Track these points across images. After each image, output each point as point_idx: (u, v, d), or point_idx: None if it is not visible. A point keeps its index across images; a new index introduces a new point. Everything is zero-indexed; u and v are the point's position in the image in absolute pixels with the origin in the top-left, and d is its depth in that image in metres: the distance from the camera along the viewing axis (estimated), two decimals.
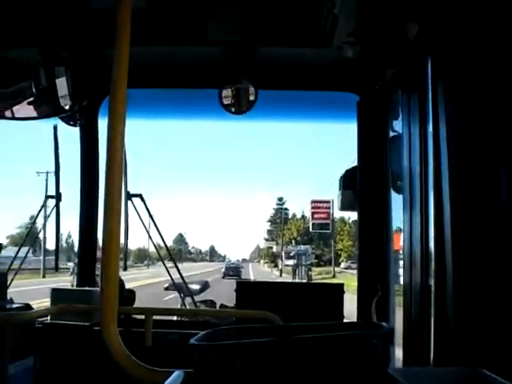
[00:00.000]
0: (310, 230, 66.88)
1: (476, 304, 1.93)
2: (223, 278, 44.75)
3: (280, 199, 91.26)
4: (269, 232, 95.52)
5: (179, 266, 4.92)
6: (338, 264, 67.93)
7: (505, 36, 2.03)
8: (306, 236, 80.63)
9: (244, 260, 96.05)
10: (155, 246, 4.80)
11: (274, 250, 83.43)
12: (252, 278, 47.24)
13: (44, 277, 40.68)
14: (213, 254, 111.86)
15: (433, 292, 2.24)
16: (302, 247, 65.05)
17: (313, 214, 62.43)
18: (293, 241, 79.55)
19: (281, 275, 60.95)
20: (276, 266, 73.66)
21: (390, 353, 1.54)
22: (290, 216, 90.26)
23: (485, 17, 2.05)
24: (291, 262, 61.91)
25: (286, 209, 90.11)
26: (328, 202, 60.88)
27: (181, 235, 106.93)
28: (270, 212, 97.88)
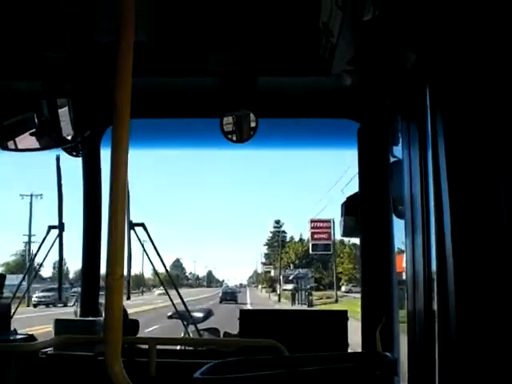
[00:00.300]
0: (310, 251, 64.47)
1: (481, 331, 1.92)
2: (220, 302, 45.06)
3: (277, 222, 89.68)
4: (266, 256, 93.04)
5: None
6: (338, 287, 66.11)
7: (501, 65, 2.05)
8: (304, 259, 79.07)
9: (241, 285, 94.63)
10: (157, 274, 4.80)
11: (272, 274, 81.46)
12: (249, 303, 47.13)
13: (29, 306, 40.12)
14: (210, 280, 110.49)
15: (436, 318, 2.23)
16: (301, 270, 63.71)
17: (312, 234, 59.86)
18: (291, 264, 78.13)
19: (279, 301, 58.90)
20: (274, 290, 71.91)
21: (395, 382, 1.53)
22: (287, 239, 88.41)
23: (482, 46, 2.08)
24: (290, 286, 60.81)
25: (283, 232, 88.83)
26: (328, 221, 58.57)
27: (178, 260, 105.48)
28: (267, 235, 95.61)
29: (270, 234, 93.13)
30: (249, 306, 40.51)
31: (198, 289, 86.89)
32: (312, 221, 59.75)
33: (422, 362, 2.54)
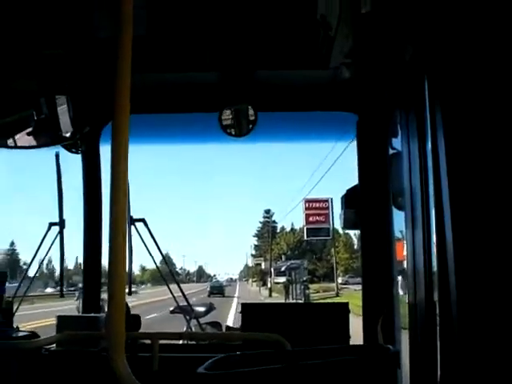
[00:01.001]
0: (305, 237, 54.58)
1: (482, 323, 1.93)
2: (209, 296, 46.77)
3: (267, 211, 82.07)
4: (256, 248, 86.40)
5: (164, 288, 4.91)
6: (332, 279, 60.41)
7: (500, 57, 2.05)
8: (297, 250, 74.31)
9: (232, 280, 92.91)
10: (158, 269, 4.80)
11: (263, 266, 74.60)
12: (236, 296, 47.78)
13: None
14: (201, 275, 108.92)
15: (437, 311, 2.24)
16: (295, 261, 57.09)
17: (307, 216, 49.29)
18: (283, 256, 73.00)
19: (270, 295, 52.65)
20: (265, 284, 66.28)
21: (398, 375, 1.54)
22: (278, 229, 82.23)
23: (481, 38, 2.08)
24: (282, 279, 56.04)
25: (274, 221, 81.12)
26: (326, 200, 49.05)
27: (168, 256, 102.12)
28: (256, 226, 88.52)
29: (260, 225, 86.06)
30: (235, 299, 41.26)
31: (187, 284, 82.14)
32: (307, 201, 49.19)
33: (423, 354, 2.55)
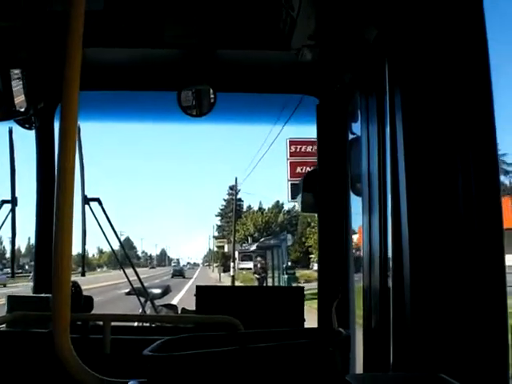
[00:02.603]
0: (288, 198, 33.67)
1: (434, 307, 1.94)
2: (172, 277, 58.17)
3: (231, 188, 69.84)
4: (219, 228, 79.51)
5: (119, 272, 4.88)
6: (308, 265, 53.34)
7: (460, 40, 2.05)
8: (265, 231, 64.89)
9: (195, 264, 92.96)
10: (114, 251, 4.74)
11: (226, 249, 65.06)
12: (193, 278, 51.71)
13: None
14: (163, 259, 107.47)
15: (391, 295, 2.24)
16: (273, 237, 41.64)
17: (292, 167, 32.35)
18: (249, 238, 64.75)
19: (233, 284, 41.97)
20: (227, 270, 56.04)
21: (350, 360, 1.53)
22: (244, 208, 75.17)
23: (441, 21, 2.07)
24: (248, 264, 49.16)
25: (239, 200, 69.51)
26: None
27: (128, 239, 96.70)
28: (219, 204, 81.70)
29: (224, 203, 79.59)
30: (190, 281, 43.03)
31: (144, 269, 78.98)
32: (292, 142, 32.84)
33: (376, 338, 2.57)
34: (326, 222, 3.90)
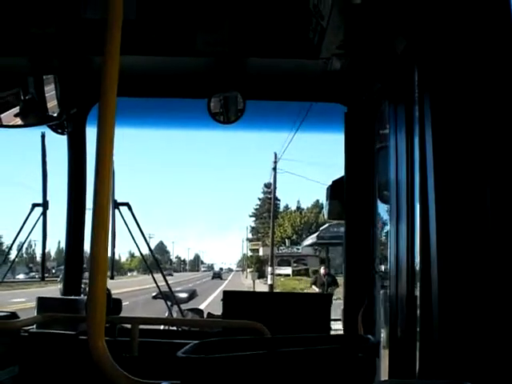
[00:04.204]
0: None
1: (462, 316, 1.95)
2: (212, 278, 66.27)
3: (268, 186, 63.02)
4: (253, 230, 71.05)
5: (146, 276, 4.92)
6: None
7: (490, 49, 2.06)
8: (303, 233, 58.41)
9: (230, 270, 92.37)
10: (142, 255, 4.79)
11: (261, 253, 57.65)
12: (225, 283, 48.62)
13: None
14: (197, 264, 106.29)
15: (418, 303, 2.25)
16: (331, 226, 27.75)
17: None
18: (286, 241, 58.10)
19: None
20: (263, 276, 50.37)
21: (377, 366, 1.55)
22: (281, 208, 66.55)
23: (471, 30, 2.08)
24: (286, 270, 46.04)
25: (276, 199, 56.44)
26: None
27: (162, 243, 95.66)
28: (254, 203, 72.41)
29: (259, 202, 70.37)
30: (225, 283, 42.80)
31: (177, 273, 74.44)
32: None
33: (402, 345, 2.57)
34: (353, 229, 3.91)
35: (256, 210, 71.45)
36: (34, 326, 3.84)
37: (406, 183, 2.63)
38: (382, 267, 3.58)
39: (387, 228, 3.06)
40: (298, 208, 66.15)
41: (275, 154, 43.64)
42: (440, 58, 2.12)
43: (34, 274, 49.65)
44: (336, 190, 4.01)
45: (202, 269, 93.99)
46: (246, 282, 48.95)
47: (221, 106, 3.99)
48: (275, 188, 46.11)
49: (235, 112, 3.97)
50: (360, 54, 3.01)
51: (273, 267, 40.80)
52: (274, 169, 43.58)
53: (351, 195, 3.89)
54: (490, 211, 1.97)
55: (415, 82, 2.32)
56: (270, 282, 37.86)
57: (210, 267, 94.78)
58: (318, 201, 63.18)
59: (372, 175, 3.73)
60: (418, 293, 2.30)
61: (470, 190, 2.01)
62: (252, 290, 35.70)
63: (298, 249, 52.51)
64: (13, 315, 3.81)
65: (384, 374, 2.89)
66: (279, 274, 45.30)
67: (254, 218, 72.28)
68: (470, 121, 2.05)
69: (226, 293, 3.79)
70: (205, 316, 5.27)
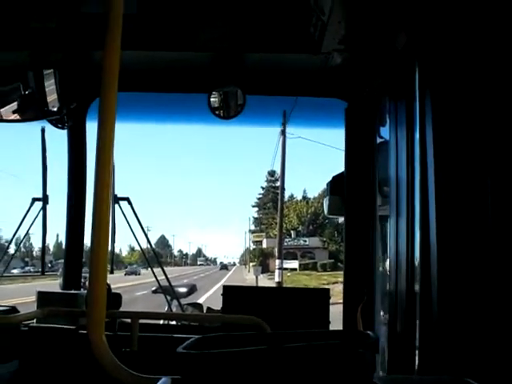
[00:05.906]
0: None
1: (461, 311, 1.95)
2: (220, 269, 70.12)
3: (271, 174, 60.50)
4: (256, 221, 65.59)
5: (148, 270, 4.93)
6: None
7: (491, 45, 2.06)
8: (311, 225, 54.72)
9: (234, 264, 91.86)
10: (142, 250, 4.80)
11: (264, 245, 53.74)
12: (223, 281, 44.84)
13: None
14: (197, 258, 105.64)
15: (418, 299, 2.25)
16: None
17: None
18: (292, 232, 53.46)
19: None
20: (267, 270, 45.77)
21: (376, 361, 1.55)
22: (286, 198, 55.80)
23: (472, 26, 2.08)
24: (292, 264, 41.75)
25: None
26: None
27: (163, 237, 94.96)
28: (257, 193, 67.11)
29: (262, 191, 65.04)
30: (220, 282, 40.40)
31: (176, 267, 73.77)
32: None
33: (402, 341, 2.58)
34: (353, 224, 3.91)
35: (259, 199, 65.84)
36: (34, 321, 3.85)
37: (406, 179, 2.64)
38: (382, 263, 3.59)
39: (387, 224, 3.06)
40: (304, 198, 61.07)
41: (284, 112, 32.39)
42: (441, 53, 2.12)
43: (29, 268, 49.29)
44: (336, 185, 4.01)
45: (199, 262, 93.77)
46: (248, 278, 44.39)
47: (221, 101, 3.98)
48: (284, 161, 34.91)
49: (235, 107, 3.96)
50: (361, 49, 3.01)
51: (281, 259, 33.84)
52: (283, 131, 32.87)
53: (351, 191, 3.89)
54: (490, 207, 1.98)
55: (416, 77, 2.32)
56: (277, 278, 32.01)
57: (209, 261, 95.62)
58: (325, 190, 59.32)
59: (372, 171, 3.73)
60: (417, 288, 2.30)
61: (470, 185, 2.01)
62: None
63: (305, 240, 49.46)
64: (13, 309, 3.82)
65: (383, 370, 2.90)
66: (285, 268, 39.11)
67: (256, 209, 66.62)
68: (470, 116, 2.05)
69: (225, 287, 3.79)
70: (204, 310, 5.27)
